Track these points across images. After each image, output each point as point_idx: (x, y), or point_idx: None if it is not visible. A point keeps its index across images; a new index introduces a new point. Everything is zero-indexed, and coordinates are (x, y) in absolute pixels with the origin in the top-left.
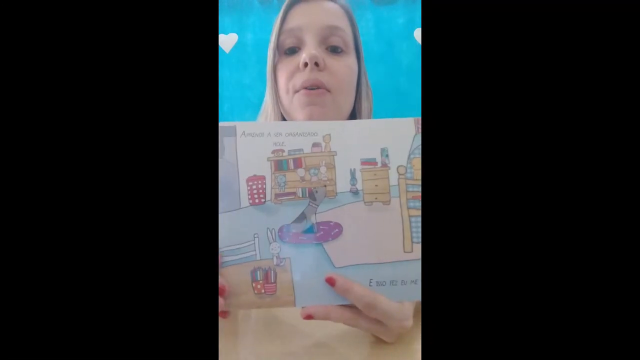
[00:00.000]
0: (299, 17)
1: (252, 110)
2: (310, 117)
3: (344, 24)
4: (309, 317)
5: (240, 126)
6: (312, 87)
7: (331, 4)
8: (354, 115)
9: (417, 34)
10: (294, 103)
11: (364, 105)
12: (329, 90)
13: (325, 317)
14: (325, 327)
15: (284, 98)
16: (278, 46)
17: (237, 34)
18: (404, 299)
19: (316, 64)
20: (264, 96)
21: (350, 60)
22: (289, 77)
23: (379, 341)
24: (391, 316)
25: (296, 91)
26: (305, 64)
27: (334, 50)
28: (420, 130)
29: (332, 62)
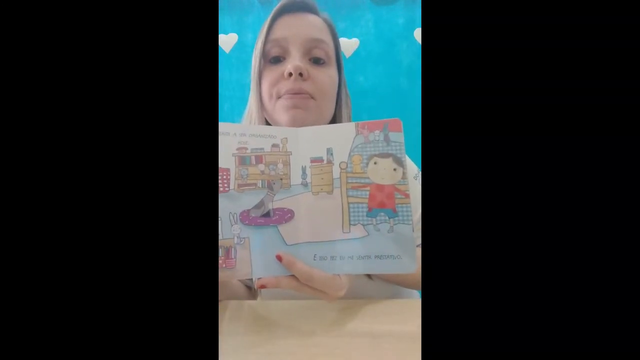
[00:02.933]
0: (284, 29)
1: None
2: (293, 120)
3: (326, 37)
4: (262, 286)
5: None
6: (296, 94)
7: (315, 18)
8: (334, 121)
9: (417, 34)
10: (277, 107)
11: (344, 112)
12: (312, 97)
13: (276, 286)
14: (324, 327)
15: (267, 103)
16: (263, 54)
17: (237, 34)
18: (339, 272)
19: (300, 74)
20: None
21: (332, 71)
22: (273, 84)
23: (379, 341)
24: (326, 286)
25: (279, 96)
26: (290, 74)
27: (317, 61)
28: (359, 131)
29: (315, 72)
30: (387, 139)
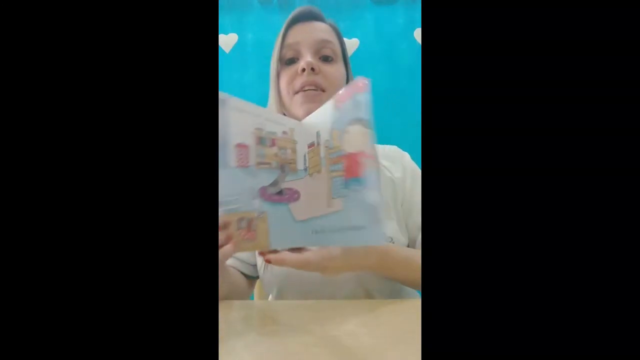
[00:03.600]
0: (296, 35)
1: None
2: (308, 113)
3: (332, 38)
4: (268, 261)
5: (232, 101)
6: (309, 88)
7: (322, 24)
8: None
9: (417, 34)
10: (294, 102)
11: None
12: (323, 90)
13: (281, 263)
14: (325, 326)
15: (286, 98)
16: (280, 58)
17: (237, 34)
18: (326, 244)
19: (312, 69)
20: (263, 96)
21: (340, 66)
22: (290, 81)
23: (379, 341)
24: (320, 265)
25: (296, 92)
26: (303, 70)
27: (326, 59)
28: (338, 106)
29: (325, 67)
30: (355, 104)
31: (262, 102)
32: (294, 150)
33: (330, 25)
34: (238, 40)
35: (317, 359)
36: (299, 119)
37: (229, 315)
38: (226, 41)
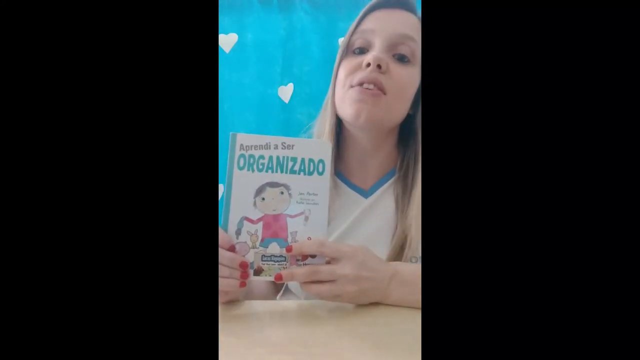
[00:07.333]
0: (373, 21)
1: (251, 110)
2: (358, 114)
3: (416, 35)
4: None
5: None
6: (369, 86)
7: (409, 15)
8: (410, 123)
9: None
10: (346, 98)
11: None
12: (385, 93)
13: (290, 278)
14: (324, 327)
15: (339, 91)
16: (348, 45)
17: (237, 34)
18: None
19: (379, 66)
20: (263, 96)
21: (415, 71)
22: (349, 73)
23: (379, 343)
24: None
25: (352, 86)
26: (368, 64)
27: (401, 58)
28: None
29: (395, 68)
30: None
31: (262, 102)
32: None
33: (420, 19)
34: (238, 40)
35: (317, 359)
36: (348, 117)
37: (228, 315)
38: (226, 41)
